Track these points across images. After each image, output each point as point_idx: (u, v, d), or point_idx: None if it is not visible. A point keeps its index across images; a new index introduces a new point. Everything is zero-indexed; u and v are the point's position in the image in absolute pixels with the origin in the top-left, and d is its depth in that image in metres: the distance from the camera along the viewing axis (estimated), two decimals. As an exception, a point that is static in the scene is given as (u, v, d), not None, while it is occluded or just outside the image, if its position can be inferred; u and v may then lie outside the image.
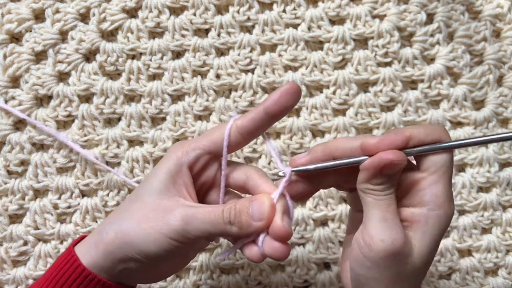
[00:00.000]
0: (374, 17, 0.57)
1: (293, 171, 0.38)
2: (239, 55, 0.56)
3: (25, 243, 0.56)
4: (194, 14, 0.56)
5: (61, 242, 0.56)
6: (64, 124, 0.57)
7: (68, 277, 0.40)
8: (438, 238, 0.37)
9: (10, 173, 0.56)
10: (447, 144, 0.36)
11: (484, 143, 0.40)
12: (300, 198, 0.40)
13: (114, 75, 0.57)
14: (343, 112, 0.58)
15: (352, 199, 0.42)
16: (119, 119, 0.57)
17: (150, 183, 0.39)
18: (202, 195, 0.42)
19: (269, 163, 0.56)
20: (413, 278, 0.37)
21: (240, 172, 0.40)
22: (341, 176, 0.39)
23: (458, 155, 0.58)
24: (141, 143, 0.57)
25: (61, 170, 0.56)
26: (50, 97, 0.56)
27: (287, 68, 0.57)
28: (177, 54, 0.57)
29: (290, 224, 0.37)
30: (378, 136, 0.36)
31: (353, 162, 0.37)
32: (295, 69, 0.57)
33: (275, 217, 0.36)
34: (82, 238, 0.43)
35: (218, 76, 0.57)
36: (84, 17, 0.56)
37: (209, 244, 0.45)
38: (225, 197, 0.42)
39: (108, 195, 0.56)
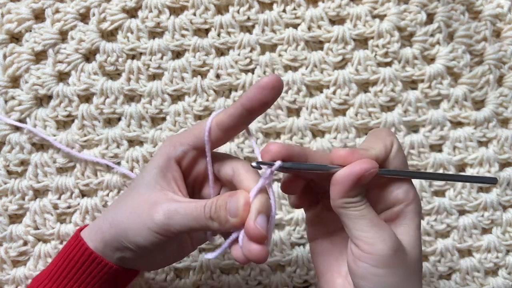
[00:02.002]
0: (374, 17, 0.57)
1: (280, 166, 0.35)
2: (239, 55, 0.56)
3: (25, 243, 0.56)
4: (194, 14, 0.56)
5: (61, 242, 0.56)
6: (64, 124, 0.57)
7: (77, 261, 0.42)
8: (418, 226, 0.38)
9: (10, 173, 0.56)
10: (411, 173, 0.39)
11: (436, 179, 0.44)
12: (292, 190, 0.40)
13: (114, 75, 0.57)
14: (343, 112, 0.58)
15: (313, 218, 0.42)
16: (119, 119, 0.57)
17: (142, 176, 0.40)
18: (197, 189, 0.43)
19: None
20: (416, 271, 0.37)
21: (227, 167, 0.40)
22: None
23: (458, 155, 0.58)
24: (141, 143, 0.57)
25: (61, 170, 0.56)
26: (50, 97, 0.56)
27: (287, 68, 0.57)
28: (177, 54, 0.57)
29: (265, 224, 0.35)
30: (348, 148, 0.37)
31: (328, 168, 0.36)
32: (295, 69, 0.57)
33: (249, 216, 0.35)
34: (87, 225, 0.45)
35: (218, 76, 0.57)
36: (84, 17, 0.56)
37: (206, 240, 0.45)
38: (221, 190, 0.42)
39: (108, 195, 0.56)
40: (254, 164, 0.36)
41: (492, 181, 0.40)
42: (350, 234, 0.36)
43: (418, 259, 0.38)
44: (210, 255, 0.37)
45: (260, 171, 0.38)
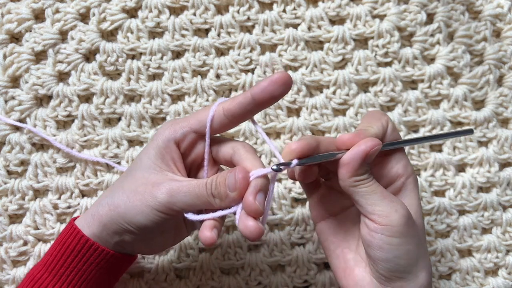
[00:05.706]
0: (374, 17, 0.57)
1: (297, 164, 0.37)
2: (239, 55, 0.56)
3: (25, 243, 0.56)
4: (194, 14, 0.56)
5: (61, 242, 0.56)
6: (64, 124, 0.57)
7: (73, 248, 0.42)
8: (419, 197, 0.42)
9: (10, 173, 0.56)
10: (409, 141, 0.43)
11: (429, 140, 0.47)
12: (309, 178, 0.41)
13: (114, 75, 0.57)
14: (343, 112, 0.58)
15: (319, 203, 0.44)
16: (119, 119, 0.57)
17: (140, 159, 0.41)
18: (194, 171, 0.44)
19: (269, 163, 0.56)
20: (423, 240, 0.40)
21: (227, 147, 0.41)
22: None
23: (458, 155, 0.58)
24: (141, 143, 0.57)
25: (61, 170, 0.56)
26: (50, 97, 0.56)
27: (287, 68, 0.57)
28: (177, 54, 0.57)
29: (263, 202, 0.37)
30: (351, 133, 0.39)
31: (336, 154, 0.38)
32: (295, 69, 0.57)
33: (247, 191, 0.37)
34: (79, 216, 0.45)
35: (218, 76, 0.57)
36: (84, 17, 0.56)
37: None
38: (215, 174, 0.43)
39: (108, 195, 0.56)
40: (274, 167, 0.37)
41: (468, 133, 0.45)
42: (364, 210, 0.38)
43: (423, 228, 0.41)
44: (191, 216, 0.39)
45: (269, 171, 0.38)
